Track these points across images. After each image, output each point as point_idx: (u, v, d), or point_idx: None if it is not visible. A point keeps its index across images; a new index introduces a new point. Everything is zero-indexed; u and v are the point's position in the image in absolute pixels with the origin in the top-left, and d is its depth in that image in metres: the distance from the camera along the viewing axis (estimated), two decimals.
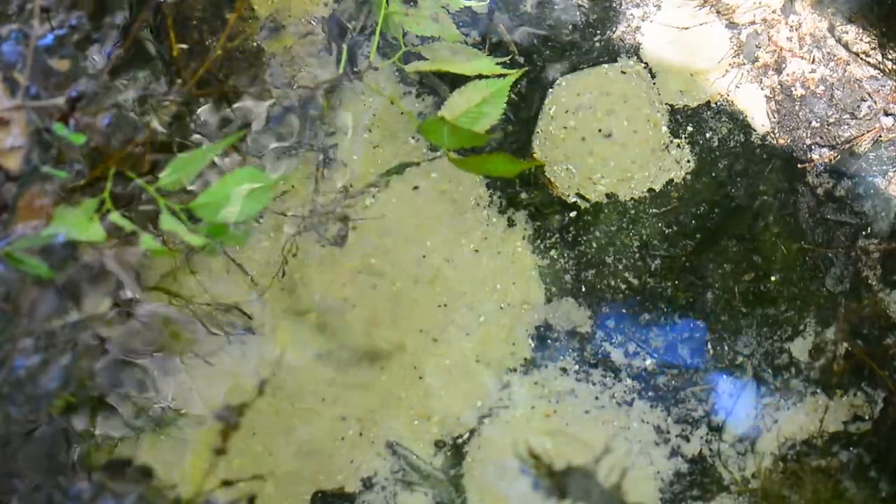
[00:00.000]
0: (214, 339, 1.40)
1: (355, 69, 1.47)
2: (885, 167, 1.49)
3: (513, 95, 1.48)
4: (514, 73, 1.39)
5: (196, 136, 1.42)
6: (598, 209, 1.48)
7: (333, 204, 1.44)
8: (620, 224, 1.48)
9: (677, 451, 1.43)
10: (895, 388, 1.43)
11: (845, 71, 1.51)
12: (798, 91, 1.51)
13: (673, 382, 1.44)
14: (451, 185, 1.47)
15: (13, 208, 1.33)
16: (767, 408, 1.44)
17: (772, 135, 1.50)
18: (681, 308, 1.46)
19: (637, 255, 1.47)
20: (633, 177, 1.48)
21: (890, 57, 1.51)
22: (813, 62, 1.51)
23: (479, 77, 1.39)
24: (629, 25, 1.52)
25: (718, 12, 1.53)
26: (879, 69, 1.50)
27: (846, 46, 1.51)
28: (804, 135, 1.50)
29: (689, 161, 1.49)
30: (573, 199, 1.48)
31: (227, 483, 1.38)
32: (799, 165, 1.49)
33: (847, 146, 1.49)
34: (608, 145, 1.49)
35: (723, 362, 1.45)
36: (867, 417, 1.44)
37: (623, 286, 1.46)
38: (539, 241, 1.47)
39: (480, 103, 1.37)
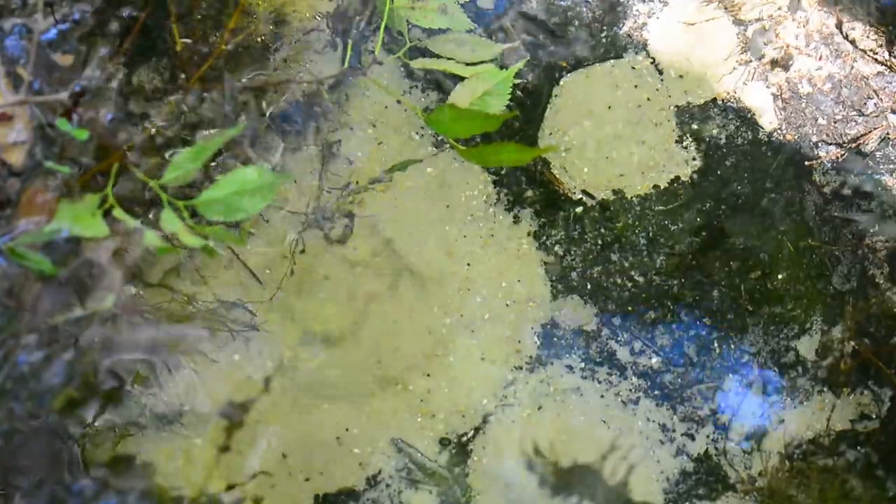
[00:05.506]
0: (218, 337, 1.40)
1: (360, 64, 1.47)
2: (892, 165, 1.48)
3: (519, 92, 1.47)
4: (518, 64, 1.39)
5: (199, 132, 1.42)
6: (604, 206, 1.47)
7: (338, 200, 1.44)
8: (626, 221, 1.47)
9: (683, 450, 1.42)
10: None
11: (852, 68, 1.50)
12: (805, 88, 1.50)
13: (679, 381, 1.43)
14: (456, 181, 1.47)
15: (16, 204, 1.33)
16: (774, 406, 1.43)
17: (778, 132, 1.49)
18: (687, 306, 1.45)
19: (643, 252, 1.46)
20: (639, 174, 1.48)
21: None
22: (820, 59, 1.50)
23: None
24: (636, 21, 1.51)
25: (725, 9, 1.52)
26: (887, 66, 1.50)
27: (853, 43, 1.51)
28: (811, 132, 1.49)
29: (695, 158, 1.49)
30: (579, 196, 1.47)
31: (230, 481, 1.38)
32: (806, 163, 1.49)
33: (854, 144, 1.48)
34: (614, 142, 1.48)
35: (729, 360, 1.44)
36: (874, 416, 1.43)
37: (629, 284, 1.46)
38: (545, 238, 1.46)
39: (485, 94, 1.37)
